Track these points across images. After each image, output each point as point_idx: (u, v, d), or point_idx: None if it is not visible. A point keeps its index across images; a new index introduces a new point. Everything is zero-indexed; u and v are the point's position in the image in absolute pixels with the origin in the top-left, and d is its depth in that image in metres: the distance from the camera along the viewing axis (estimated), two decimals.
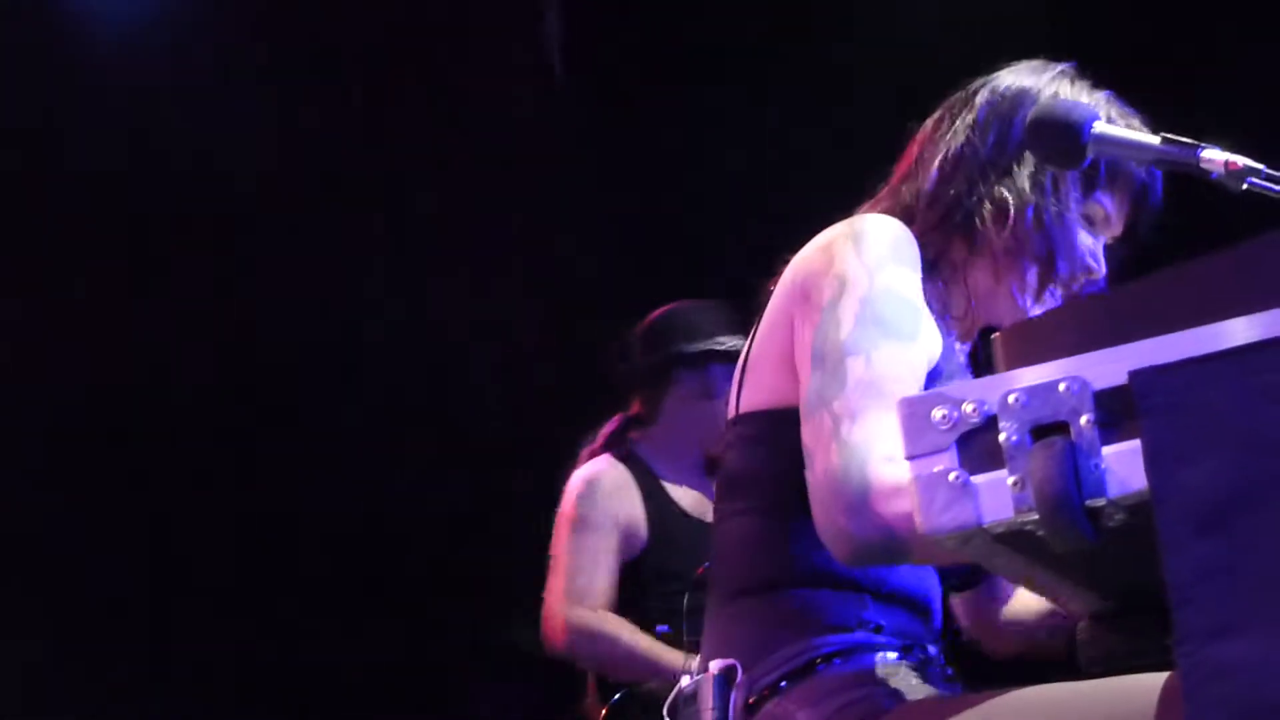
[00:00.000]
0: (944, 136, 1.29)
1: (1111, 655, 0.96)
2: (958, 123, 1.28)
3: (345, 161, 3.82)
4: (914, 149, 1.32)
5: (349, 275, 3.88)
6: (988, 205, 1.24)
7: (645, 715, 2.27)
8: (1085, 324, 0.86)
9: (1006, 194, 1.24)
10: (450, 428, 3.84)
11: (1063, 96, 1.25)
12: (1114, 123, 1.19)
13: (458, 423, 3.82)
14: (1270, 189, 1.07)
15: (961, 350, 1.30)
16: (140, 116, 3.72)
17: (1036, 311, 1.25)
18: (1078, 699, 0.96)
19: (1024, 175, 1.24)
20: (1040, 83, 1.27)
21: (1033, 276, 1.26)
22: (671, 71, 3.65)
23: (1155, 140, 1.13)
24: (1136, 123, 1.25)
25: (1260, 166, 1.08)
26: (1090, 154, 1.12)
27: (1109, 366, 0.80)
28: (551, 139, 3.74)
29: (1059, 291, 1.26)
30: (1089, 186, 1.26)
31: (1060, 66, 1.30)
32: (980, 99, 1.29)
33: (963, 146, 1.26)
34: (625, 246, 3.69)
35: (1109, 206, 1.29)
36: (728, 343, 2.44)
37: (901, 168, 1.33)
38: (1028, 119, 1.18)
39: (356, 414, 3.87)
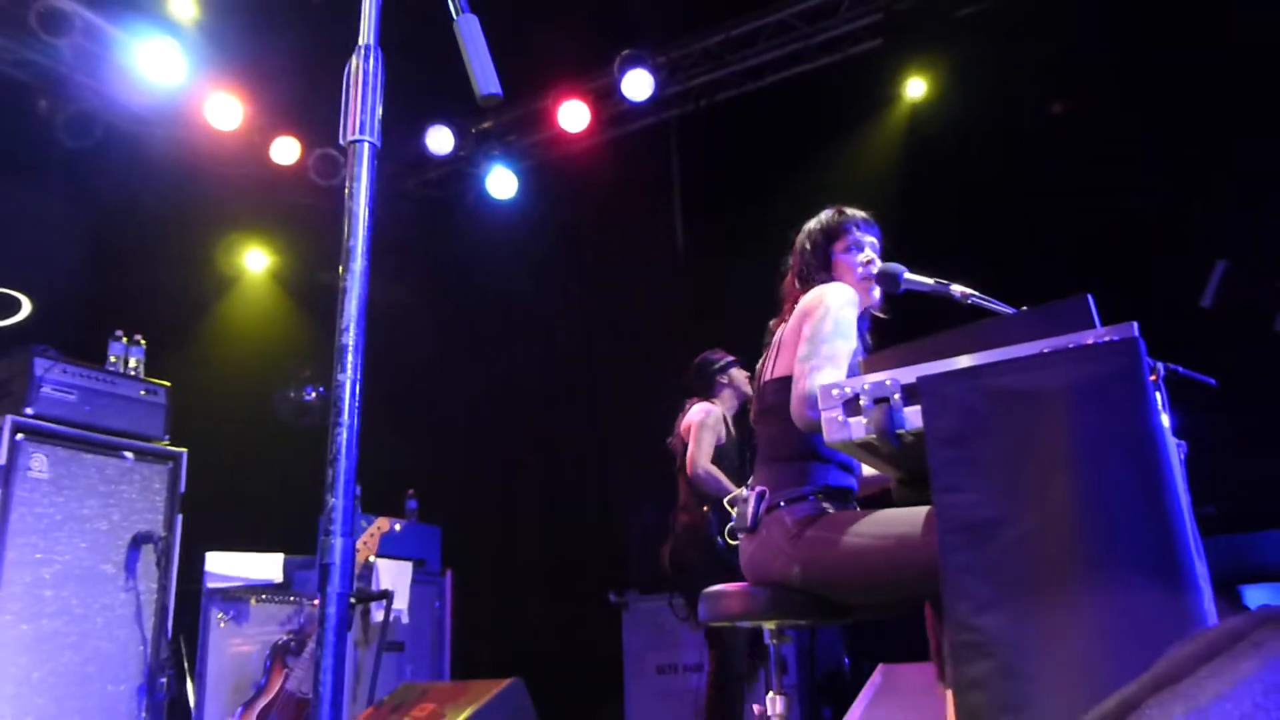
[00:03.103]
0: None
1: (905, 499, 2.11)
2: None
3: None
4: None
5: None
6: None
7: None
8: (898, 356, 1.95)
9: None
10: None
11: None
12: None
13: None
14: (980, 301, 2.26)
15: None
16: None
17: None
18: (898, 513, 2.14)
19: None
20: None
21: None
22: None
23: (929, 280, 2.36)
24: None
25: (970, 292, 2.33)
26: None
27: (909, 374, 1.89)
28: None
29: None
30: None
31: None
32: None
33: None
34: None
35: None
36: None
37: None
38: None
39: None
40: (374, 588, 4.97)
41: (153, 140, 6.41)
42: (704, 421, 4.46)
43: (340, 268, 1.37)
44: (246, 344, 7.01)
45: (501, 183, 6.90)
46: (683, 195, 6.51)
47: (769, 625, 2.41)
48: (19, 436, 4.01)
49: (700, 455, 4.40)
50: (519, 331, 6.67)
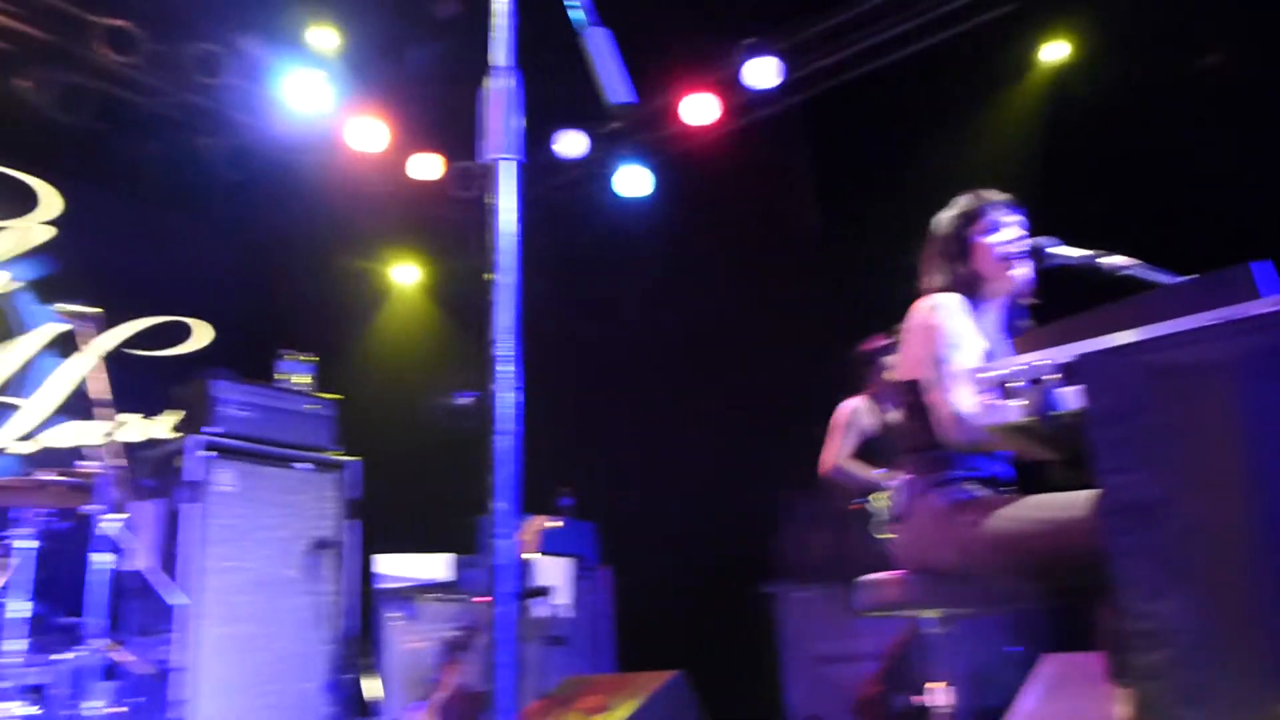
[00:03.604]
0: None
1: (1066, 481, 2.05)
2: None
3: None
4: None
5: None
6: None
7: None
8: (1052, 335, 1.90)
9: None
10: None
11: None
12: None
13: None
14: (1136, 273, 2.17)
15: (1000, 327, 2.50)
16: None
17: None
18: (1057, 496, 2.08)
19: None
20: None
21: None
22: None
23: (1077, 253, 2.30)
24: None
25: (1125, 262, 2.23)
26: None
27: (1067, 352, 1.84)
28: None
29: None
30: None
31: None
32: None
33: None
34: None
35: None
36: None
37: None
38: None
39: None
40: (532, 585, 5.14)
41: (303, 167, 6.77)
42: (843, 420, 4.48)
43: (489, 281, 1.43)
44: (402, 354, 7.34)
45: (632, 181, 6.98)
46: (816, 180, 6.45)
47: (928, 614, 2.38)
48: (207, 454, 4.33)
49: (832, 454, 4.43)
50: (658, 328, 6.74)
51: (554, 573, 5.45)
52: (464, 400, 6.62)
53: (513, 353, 1.35)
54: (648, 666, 4.89)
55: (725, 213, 6.60)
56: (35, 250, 6.12)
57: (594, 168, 7.09)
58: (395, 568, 5.30)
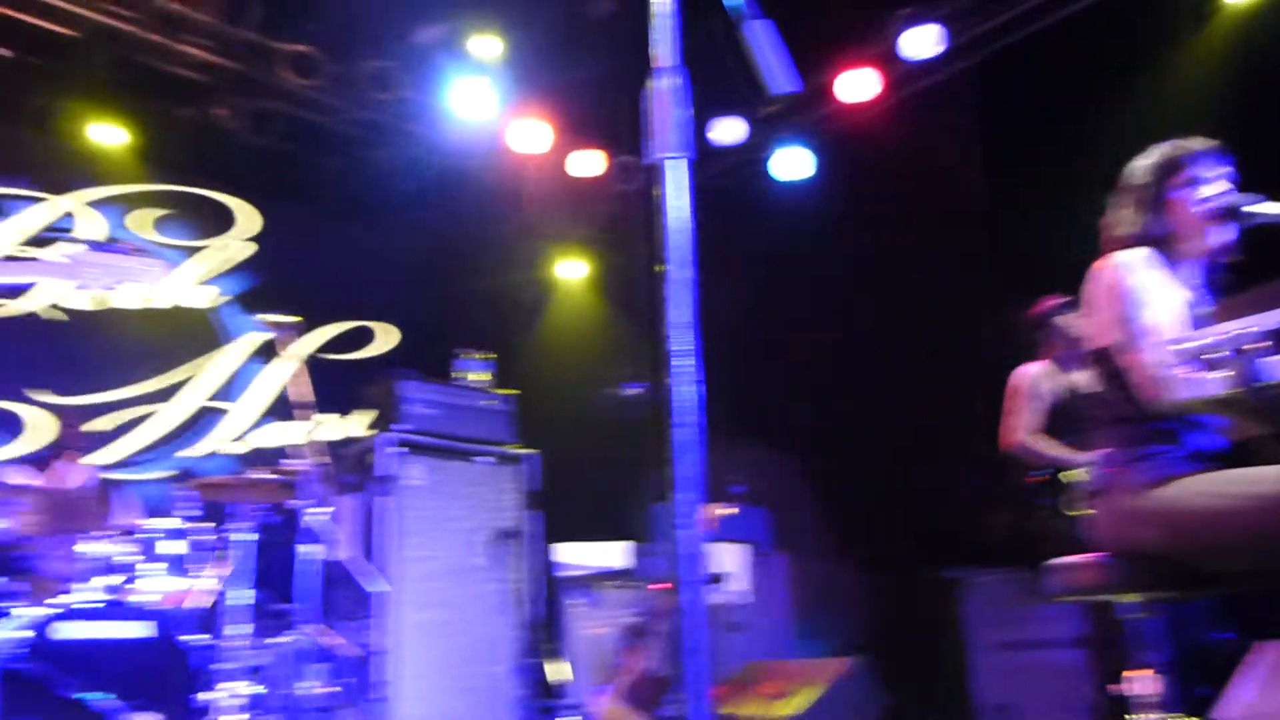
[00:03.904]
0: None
1: (1276, 455, 1.92)
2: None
3: None
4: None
5: None
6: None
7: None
8: (1255, 301, 1.78)
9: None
10: None
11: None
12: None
13: None
14: None
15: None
16: None
17: None
18: (1265, 471, 1.96)
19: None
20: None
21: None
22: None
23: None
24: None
25: None
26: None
27: (1274, 319, 1.72)
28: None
29: None
30: None
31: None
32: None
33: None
34: None
35: None
36: None
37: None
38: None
39: None
40: (708, 572, 5.18)
41: (472, 171, 7.04)
42: (1021, 388, 4.17)
43: (660, 273, 1.46)
44: (572, 348, 7.53)
45: (791, 164, 6.90)
46: (983, 148, 6.21)
47: (1128, 599, 2.27)
48: (397, 450, 4.59)
49: (1016, 427, 4.11)
50: (824, 309, 6.66)
51: (729, 559, 5.48)
52: (633, 391, 6.73)
53: (690, 347, 1.38)
54: (827, 653, 4.87)
55: (889, 188, 6.44)
56: (237, 266, 6.63)
57: (752, 153, 7.06)
58: (575, 556, 5.47)
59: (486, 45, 6.31)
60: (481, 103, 6.39)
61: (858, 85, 6.42)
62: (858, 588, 5.85)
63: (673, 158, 1.47)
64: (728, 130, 6.84)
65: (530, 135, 6.74)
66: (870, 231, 6.51)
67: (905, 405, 6.01)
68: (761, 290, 6.88)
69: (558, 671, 4.98)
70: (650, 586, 5.15)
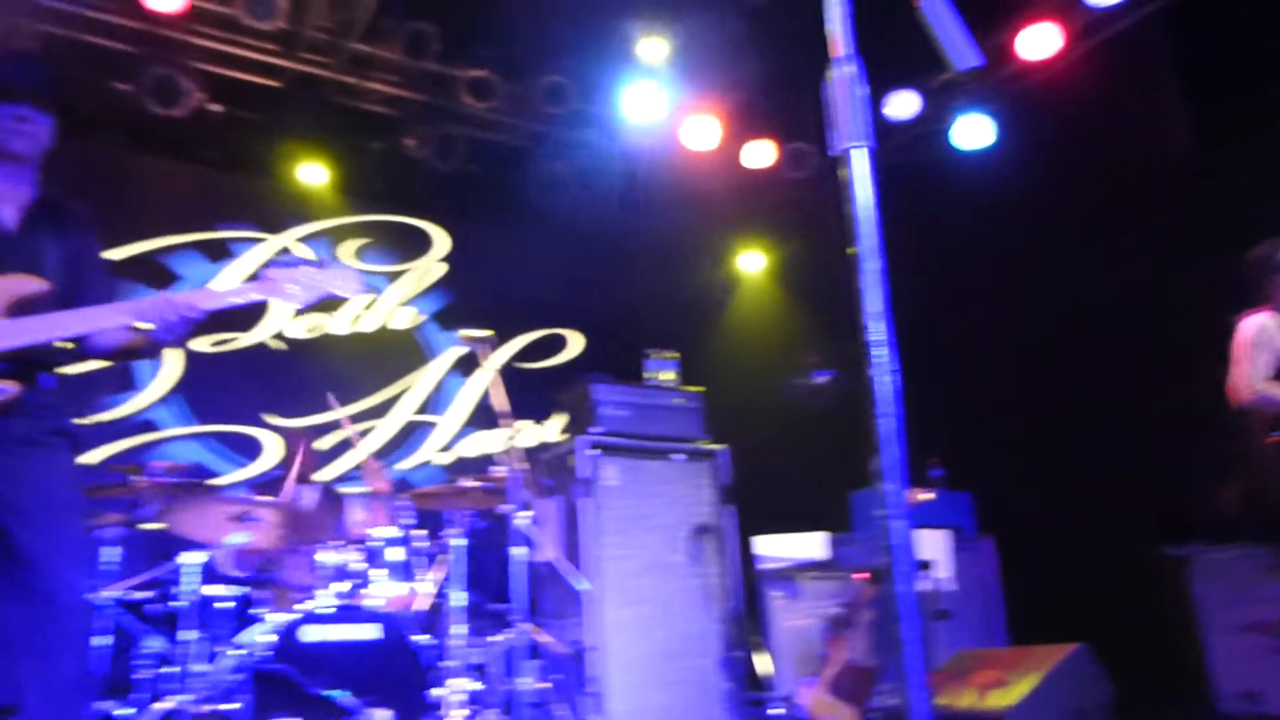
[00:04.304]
0: None
1: None
2: None
3: None
4: None
5: None
6: None
7: None
8: None
9: None
10: None
11: None
12: None
13: None
14: None
15: None
16: None
17: None
18: None
19: None
20: None
21: None
22: None
23: None
24: None
25: None
26: None
27: None
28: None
29: None
30: None
31: None
32: None
33: None
34: None
35: None
36: None
37: None
38: None
39: None
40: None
41: (648, 173, 7.15)
42: (1250, 339, 3.84)
43: (853, 266, 1.46)
44: (757, 340, 7.53)
45: (972, 132, 6.64)
46: (1184, 94, 5.77)
47: None
48: (593, 452, 4.72)
49: (1245, 377, 3.78)
50: (1019, 279, 6.37)
51: (932, 546, 5.33)
52: (821, 379, 6.66)
53: (885, 337, 1.37)
54: (1044, 639, 4.66)
55: (1081, 148, 6.09)
56: (433, 286, 7.00)
57: (929, 125, 6.84)
58: (773, 548, 5.46)
59: (653, 48, 6.39)
60: (652, 105, 6.48)
61: (1038, 41, 6.11)
62: (1075, 569, 5.56)
63: (856, 147, 1.46)
64: (902, 105, 6.65)
65: (701, 132, 6.78)
66: (1063, 195, 6.17)
67: (1116, 373, 5.67)
68: (950, 264, 6.66)
69: (762, 664, 4.99)
70: (851, 576, 5.09)
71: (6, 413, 2.38)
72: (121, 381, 5.82)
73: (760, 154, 7.03)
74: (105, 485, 4.04)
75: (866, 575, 4.79)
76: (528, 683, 4.15)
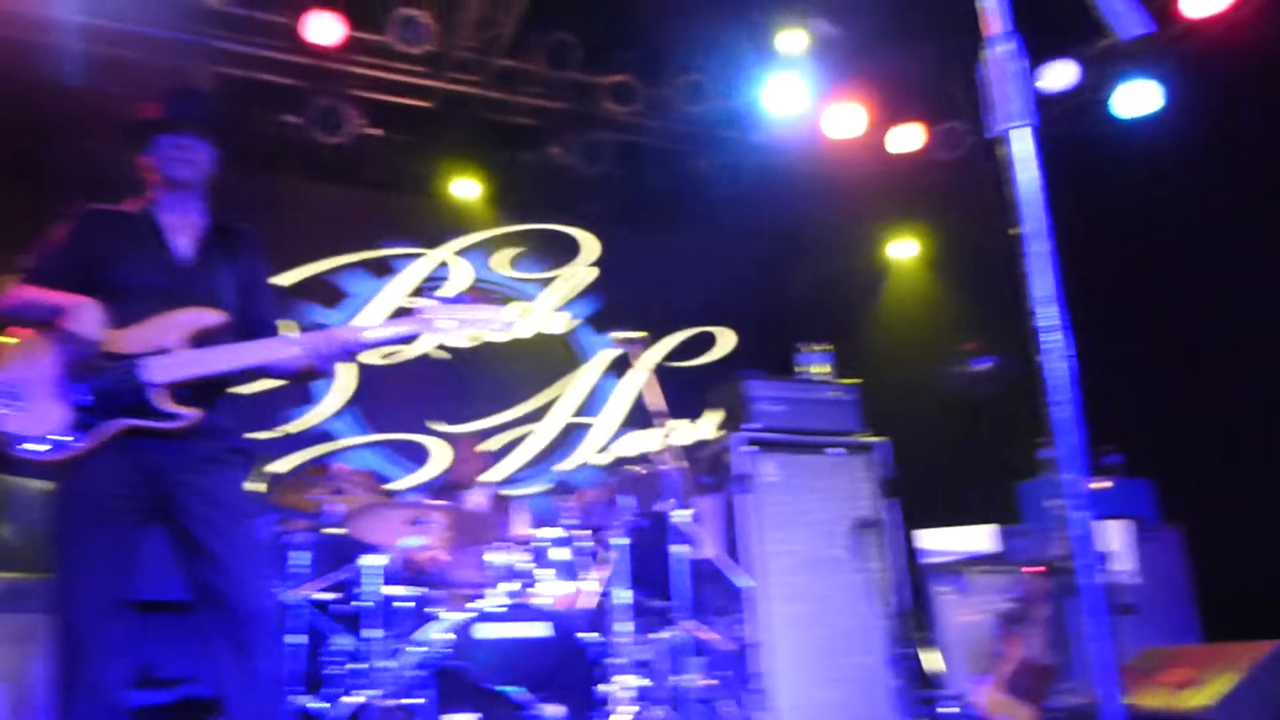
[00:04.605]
0: None
1: None
2: None
3: None
4: None
5: None
6: None
7: None
8: None
9: None
10: None
11: None
12: None
13: None
14: None
15: None
16: None
17: None
18: None
19: None
20: None
21: None
22: None
23: None
24: None
25: None
26: None
27: None
28: None
29: None
30: None
31: None
32: None
33: None
34: None
35: None
36: None
37: None
38: None
39: None
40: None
41: (790, 166, 7.08)
42: None
43: (1017, 248, 1.41)
44: (911, 329, 7.34)
45: (1135, 99, 6.28)
46: None
47: None
48: (750, 449, 4.72)
49: None
50: (1191, 252, 5.98)
51: (1110, 537, 5.08)
52: (981, 366, 6.44)
53: (1057, 322, 1.32)
54: (1240, 635, 4.36)
55: (1260, 109, 5.67)
56: (584, 290, 7.14)
57: (1088, 95, 6.50)
58: (938, 542, 5.32)
59: (792, 39, 6.33)
60: (793, 96, 6.42)
61: None
62: (1272, 560, 5.19)
63: (1016, 127, 1.41)
64: (1058, 75, 6.35)
65: (845, 120, 6.67)
66: (1237, 161, 5.76)
67: None
68: (1118, 239, 6.32)
69: (931, 661, 4.86)
70: (1023, 570, 4.90)
71: (191, 435, 2.57)
72: (302, 396, 6.19)
73: (907, 137, 6.85)
74: (293, 492, 4.31)
75: (1040, 569, 4.61)
76: (693, 679, 4.18)
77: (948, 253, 7.40)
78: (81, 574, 2.43)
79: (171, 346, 2.55)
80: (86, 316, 2.50)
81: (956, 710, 4.63)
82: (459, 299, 2.81)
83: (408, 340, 2.83)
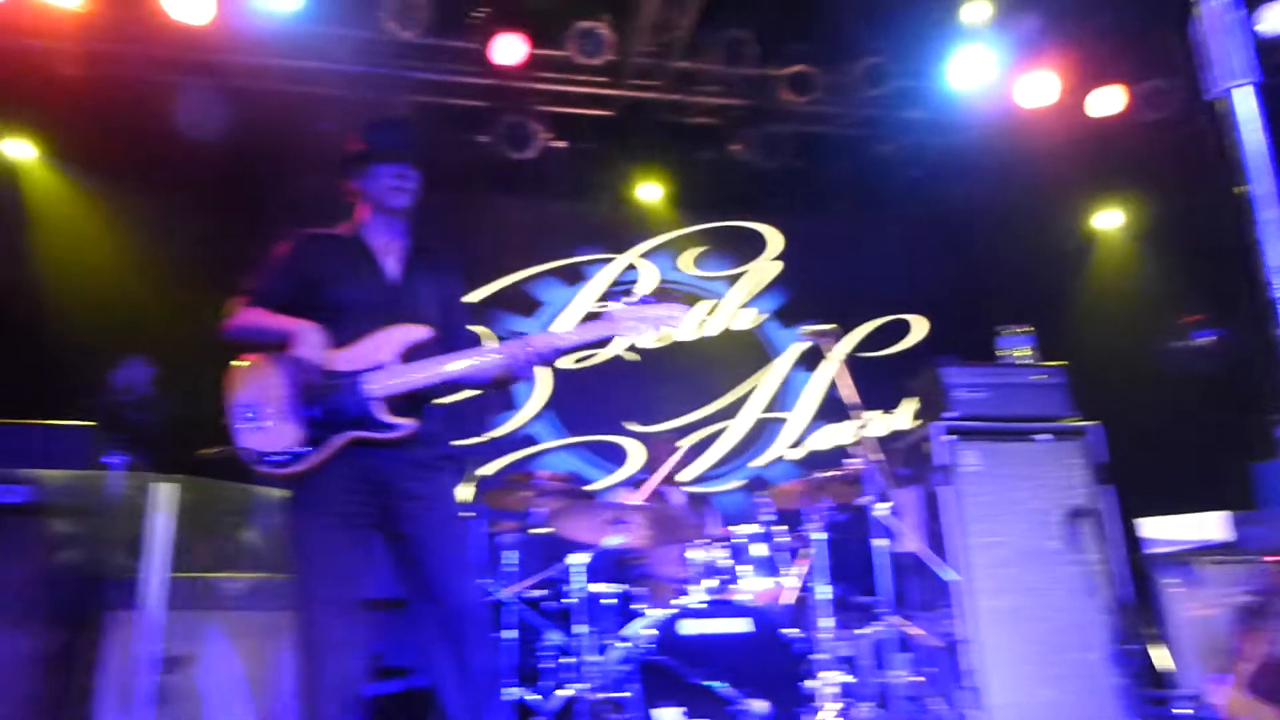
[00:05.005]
0: None
1: None
2: None
3: None
4: None
5: None
6: None
7: None
8: None
9: None
10: None
11: None
12: None
13: None
14: None
15: None
16: None
17: None
18: None
19: None
20: None
21: None
22: None
23: None
24: None
25: None
26: None
27: None
28: None
29: None
30: None
31: None
32: None
33: None
34: None
35: None
36: None
37: None
38: None
39: None
40: None
41: (980, 142, 6.79)
42: None
43: (1245, 215, 1.31)
44: (1120, 304, 6.89)
45: None
46: None
47: None
48: (950, 438, 4.57)
49: None
50: None
51: None
52: (1204, 340, 5.99)
53: None
54: None
55: None
56: (770, 284, 7.12)
57: None
58: (1163, 531, 4.97)
59: (976, 10, 6.08)
60: (981, 68, 6.16)
61: None
62: None
63: (1238, 85, 1.31)
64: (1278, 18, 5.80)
65: (1038, 88, 6.34)
66: None
67: None
68: None
69: (1160, 658, 4.56)
70: (1263, 559, 4.52)
71: (406, 444, 2.75)
72: (505, 402, 6.48)
73: (1108, 100, 6.43)
74: (501, 495, 4.51)
75: None
76: (900, 675, 4.10)
77: (1158, 221, 6.90)
78: (319, 575, 2.64)
79: (386, 362, 2.73)
80: (313, 341, 2.71)
81: (1191, 711, 4.32)
82: (644, 300, 2.88)
83: (601, 344, 2.89)
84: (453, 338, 2.93)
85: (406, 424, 2.73)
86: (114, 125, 5.62)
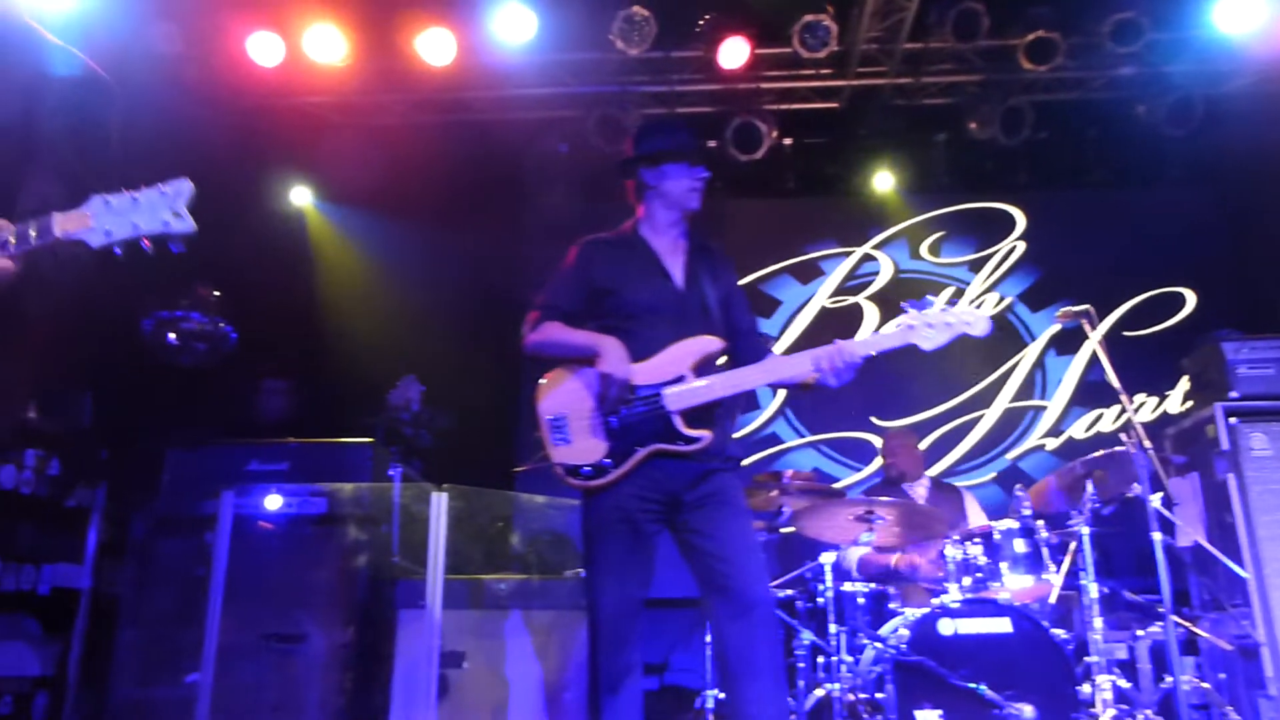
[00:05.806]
0: None
1: None
2: None
3: None
4: None
5: None
6: None
7: None
8: None
9: None
10: None
11: None
12: None
13: None
14: None
15: None
16: None
17: None
18: None
19: None
20: None
21: None
22: None
23: None
24: None
25: None
26: None
27: None
28: None
29: None
30: None
31: None
32: None
33: None
34: None
35: None
36: None
37: None
38: None
39: None
40: None
41: (1255, 90, 6.16)
42: None
43: None
44: None
45: None
46: None
47: None
48: (1232, 420, 4.19)
49: None
50: None
51: None
52: None
53: None
54: None
55: None
56: (1017, 265, 6.77)
57: None
58: None
59: None
60: (1252, 10, 5.59)
61: None
62: None
63: None
64: None
65: None
66: None
67: None
68: None
69: None
70: None
71: (700, 453, 2.82)
72: (749, 402, 6.54)
73: None
74: (752, 494, 4.56)
75: None
76: (1184, 681, 3.80)
77: None
78: (611, 577, 2.77)
79: (684, 375, 2.82)
80: (618, 355, 2.81)
81: None
82: (940, 304, 2.80)
83: (899, 349, 2.84)
84: (736, 337, 2.97)
85: (706, 436, 2.80)
86: (375, 164, 6.17)
